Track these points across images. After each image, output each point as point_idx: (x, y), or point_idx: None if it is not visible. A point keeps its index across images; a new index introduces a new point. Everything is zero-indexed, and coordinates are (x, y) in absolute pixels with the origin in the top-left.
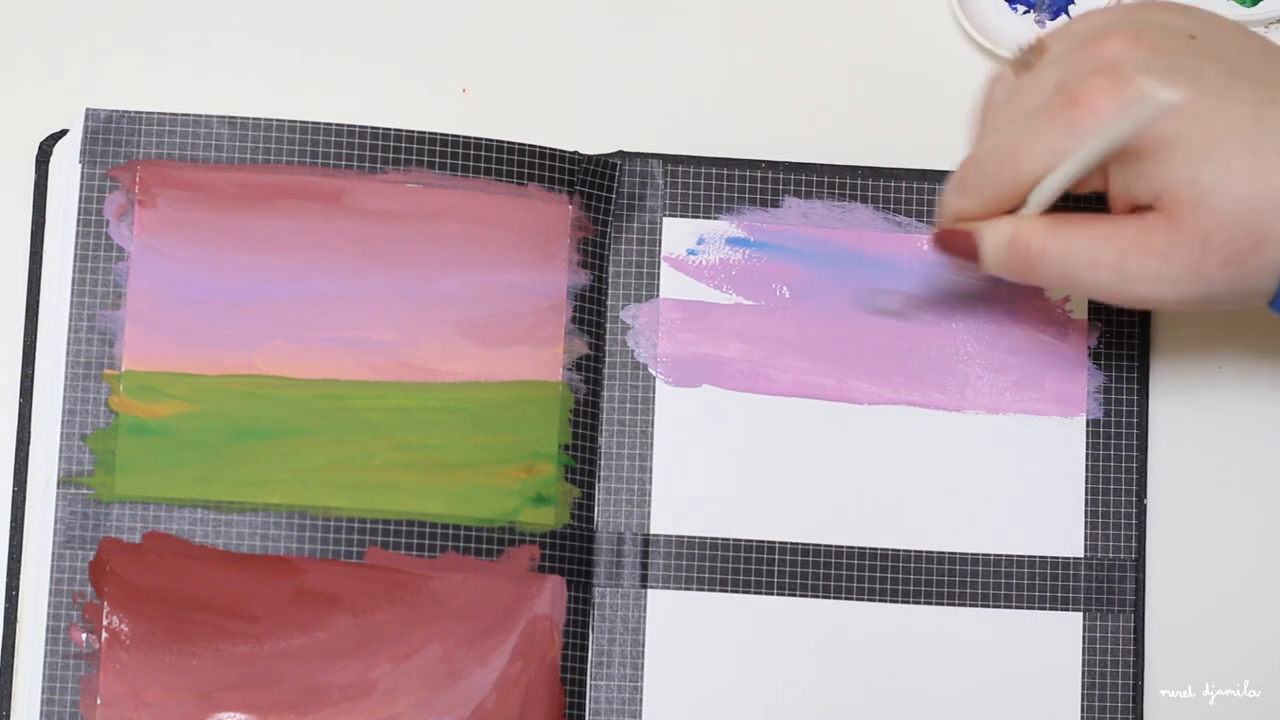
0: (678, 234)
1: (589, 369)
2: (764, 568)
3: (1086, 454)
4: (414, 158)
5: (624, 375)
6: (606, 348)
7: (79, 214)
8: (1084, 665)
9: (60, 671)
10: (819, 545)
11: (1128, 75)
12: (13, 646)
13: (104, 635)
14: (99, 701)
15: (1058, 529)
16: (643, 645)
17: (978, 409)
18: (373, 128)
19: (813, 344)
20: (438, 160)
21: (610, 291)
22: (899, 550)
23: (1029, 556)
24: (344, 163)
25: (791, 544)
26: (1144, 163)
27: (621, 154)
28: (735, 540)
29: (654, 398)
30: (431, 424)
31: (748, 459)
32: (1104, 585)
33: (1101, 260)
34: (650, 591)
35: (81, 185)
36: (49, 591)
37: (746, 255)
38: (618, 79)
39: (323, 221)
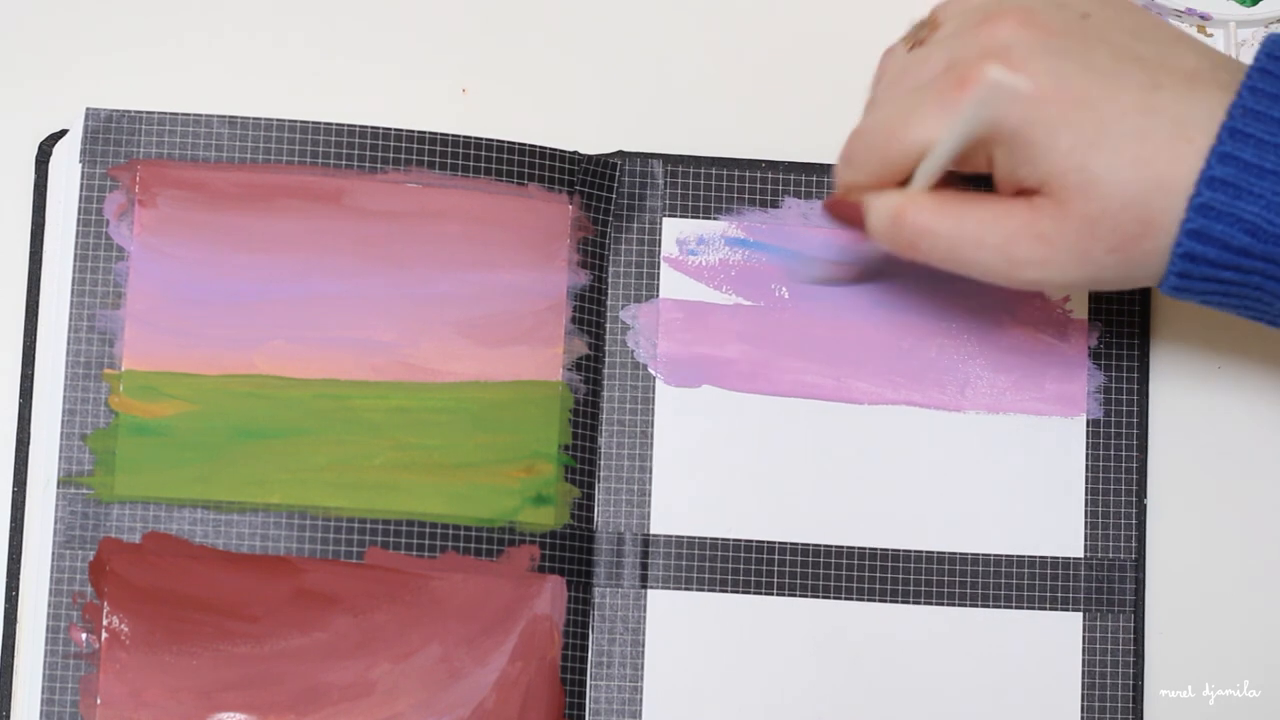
0: (677, 234)
1: (589, 369)
2: (764, 568)
3: (1086, 454)
4: (414, 158)
5: (624, 375)
6: (606, 348)
7: (79, 214)
8: (1084, 665)
9: (60, 671)
10: (819, 545)
11: (1017, 59)
12: (13, 646)
13: (104, 635)
14: (99, 701)
15: (1058, 529)
16: (643, 645)
17: (978, 409)
18: (373, 128)
19: (812, 344)
20: (438, 160)
21: (610, 291)
22: (899, 550)
23: (1029, 556)
24: (344, 163)
25: (791, 544)
26: (1032, 148)
27: (621, 154)
28: (735, 540)
29: (654, 398)
30: (431, 424)
31: (747, 459)
32: (1104, 585)
33: (987, 242)
34: (650, 591)
35: (81, 185)
36: (49, 591)
37: (746, 256)
38: (618, 79)
39: (323, 221)
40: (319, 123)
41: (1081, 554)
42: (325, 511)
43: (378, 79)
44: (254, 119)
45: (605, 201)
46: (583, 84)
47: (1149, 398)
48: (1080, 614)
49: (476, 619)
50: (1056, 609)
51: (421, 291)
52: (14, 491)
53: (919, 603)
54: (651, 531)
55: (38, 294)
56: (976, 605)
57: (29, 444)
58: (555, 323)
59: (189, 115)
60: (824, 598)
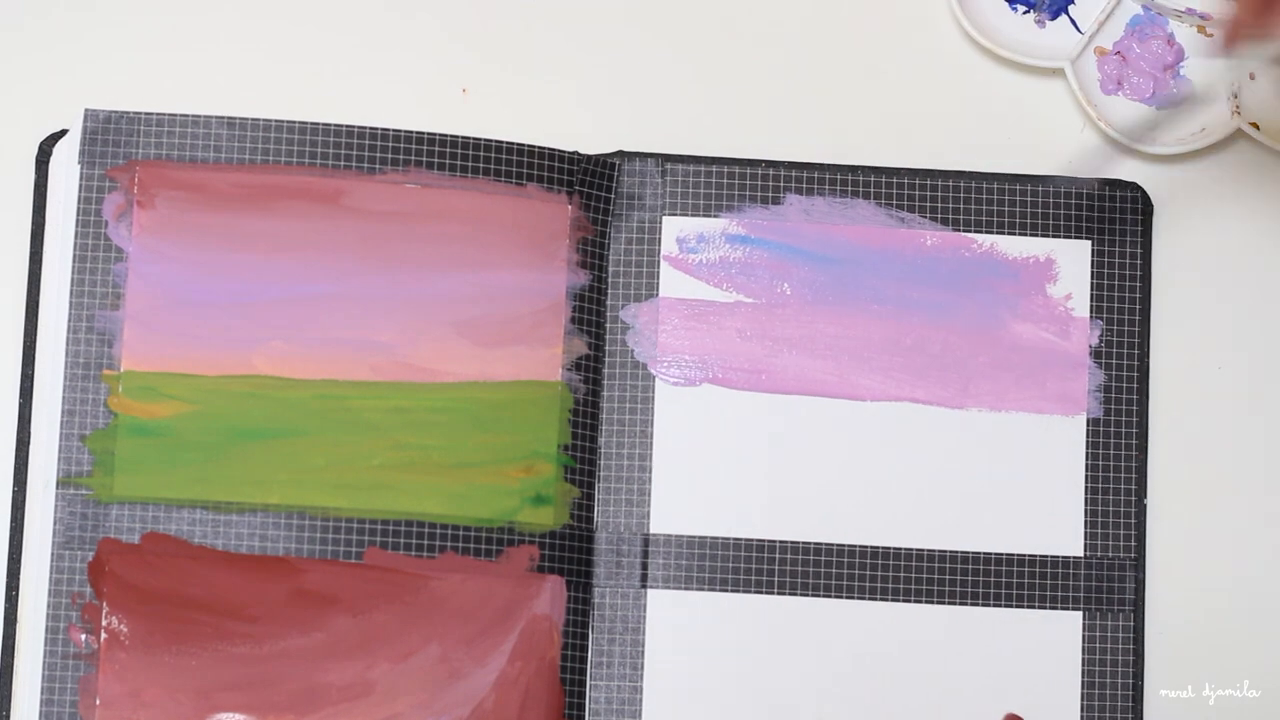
0: (677, 233)
1: (589, 369)
2: (764, 567)
3: (1086, 453)
4: (413, 158)
5: (624, 375)
6: (606, 347)
7: (78, 214)
8: (1084, 665)
9: (60, 672)
10: (819, 544)
11: None
12: (12, 646)
13: (103, 636)
14: (98, 702)
15: (1058, 528)
16: (642, 645)
17: (979, 406)
18: (372, 128)
19: (814, 341)
20: (437, 160)
21: (610, 291)
22: (899, 549)
23: (1029, 556)
24: (344, 163)
25: (791, 543)
26: None
27: (621, 154)
28: (735, 540)
29: (654, 398)
30: (430, 424)
31: (748, 458)
32: (1104, 585)
33: None
34: (650, 591)
35: (81, 186)
36: (48, 592)
37: (747, 253)
38: (618, 79)
39: (322, 222)
40: (318, 123)
41: (1081, 553)
42: (324, 511)
43: (378, 79)
44: (253, 119)
45: (604, 201)
46: (583, 84)
47: (1149, 398)
48: (1080, 613)
49: (476, 619)
50: (1056, 608)
51: (421, 291)
52: (14, 491)
53: (919, 601)
54: (651, 531)
55: (37, 294)
56: (976, 604)
57: (29, 444)
58: (555, 323)
59: (188, 116)
60: (824, 597)
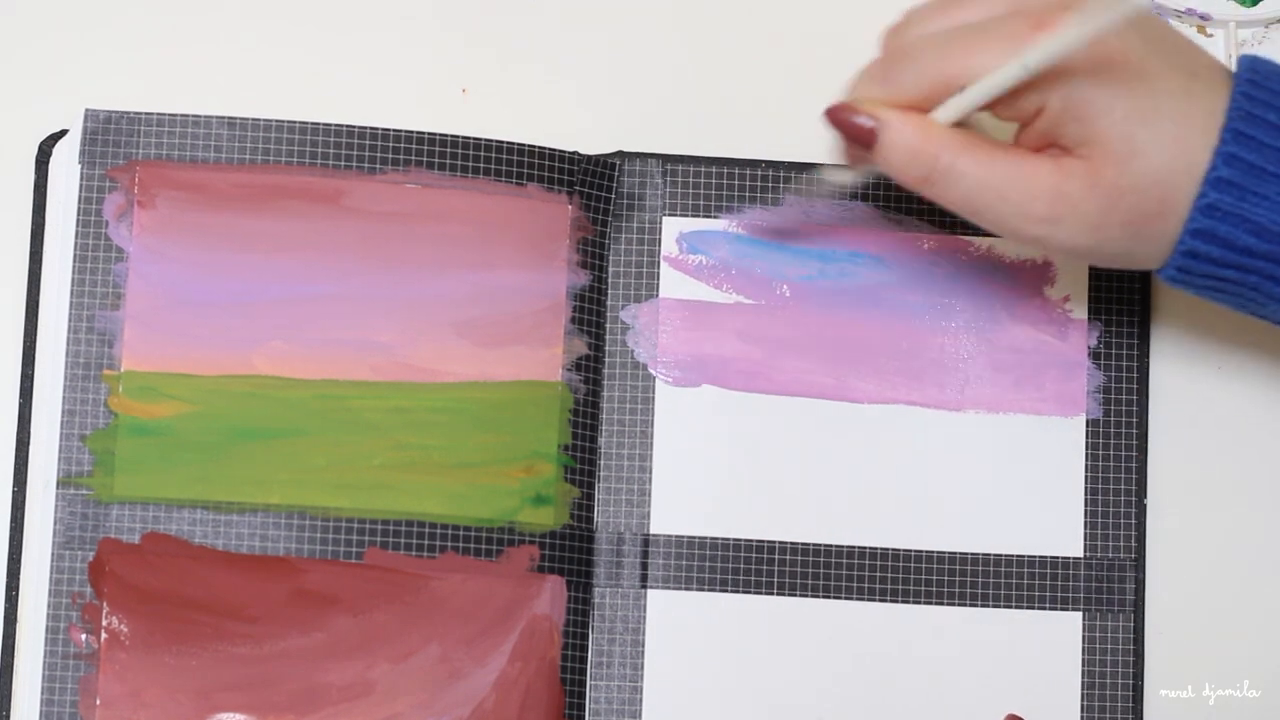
0: (677, 233)
1: (589, 369)
2: (764, 568)
3: (1086, 454)
4: (413, 158)
5: (624, 375)
6: (606, 348)
7: (78, 214)
8: (1084, 665)
9: (60, 672)
10: (818, 545)
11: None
12: (13, 646)
13: (103, 636)
14: (98, 702)
15: (1058, 529)
16: (642, 645)
17: (978, 408)
18: (373, 128)
19: (813, 343)
20: (437, 160)
21: (610, 291)
22: (899, 550)
23: (1029, 556)
24: (344, 163)
25: (791, 544)
26: (1090, 107)
27: (621, 154)
28: (735, 540)
29: (654, 398)
30: (431, 424)
31: (748, 459)
32: (1104, 585)
33: (1010, 195)
34: (650, 591)
35: (81, 186)
36: (49, 592)
37: (746, 254)
38: (618, 79)
39: (322, 222)
40: (318, 123)
41: (1081, 554)
42: (325, 512)
43: (378, 79)
44: (254, 119)
45: (605, 201)
46: (583, 84)
47: (1149, 398)
48: (1080, 614)
49: (476, 619)
50: (1056, 609)
51: (421, 292)
52: (14, 492)
53: (919, 602)
54: (651, 531)
55: (38, 294)
56: (976, 605)
57: (29, 444)
58: (555, 323)
59: (188, 116)
60: (824, 597)
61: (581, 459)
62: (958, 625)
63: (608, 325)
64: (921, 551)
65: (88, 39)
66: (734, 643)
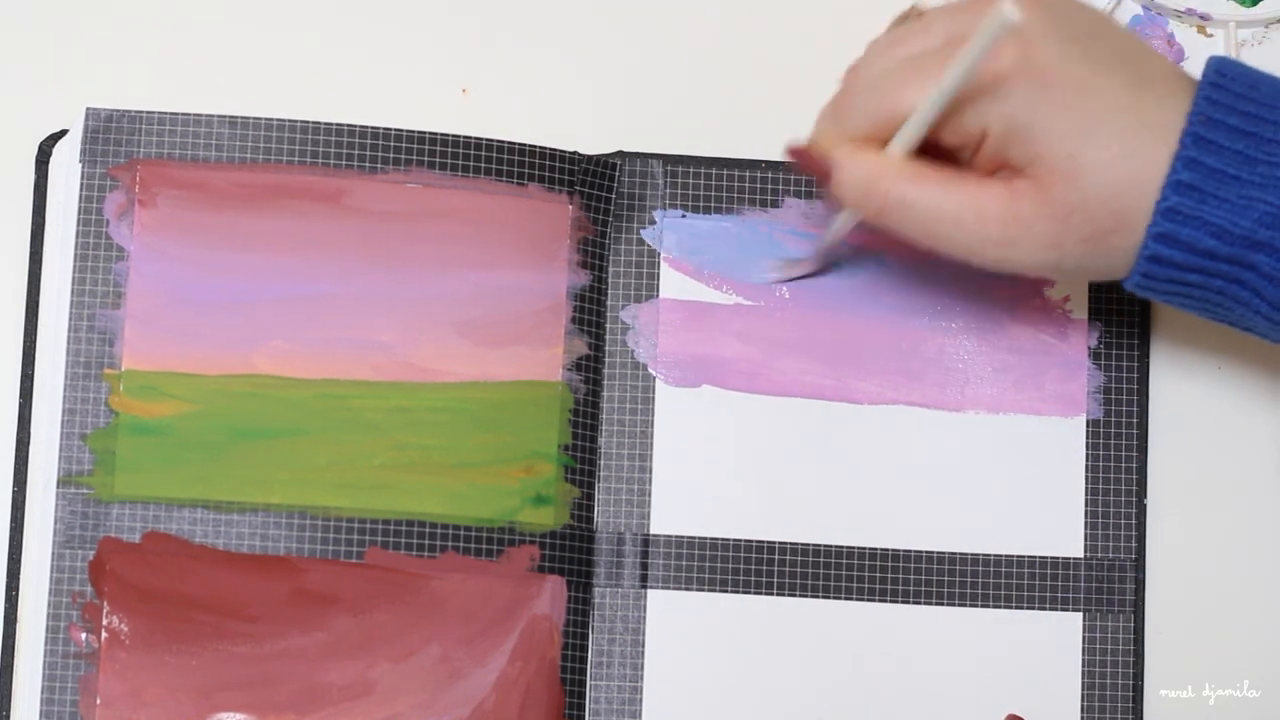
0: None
1: (589, 369)
2: (764, 568)
3: (1086, 454)
4: (414, 158)
5: (624, 375)
6: (606, 348)
7: (79, 214)
8: (1084, 665)
9: (60, 671)
10: (819, 545)
11: (1027, 36)
12: (13, 646)
13: (104, 635)
14: (99, 701)
15: (1058, 529)
16: (642, 645)
17: (978, 409)
18: (373, 128)
19: (812, 344)
20: (438, 160)
21: (610, 291)
22: (899, 550)
23: (1029, 556)
24: (344, 163)
25: (791, 544)
26: (1030, 128)
27: (621, 154)
28: (735, 540)
29: (654, 398)
30: (431, 424)
31: (748, 459)
32: (1104, 585)
33: (964, 220)
34: (650, 591)
35: (81, 185)
36: (49, 591)
37: (747, 254)
38: (618, 79)
39: (323, 221)
40: (319, 123)
41: (1081, 554)
42: (325, 511)
43: (378, 79)
44: (254, 119)
45: (605, 201)
46: (583, 84)
47: (1149, 398)
48: (1080, 614)
49: (476, 619)
50: (1056, 609)
51: (421, 291)
52: (14, 491)
53: (919, 603)
54: (651, 531)
55: (38, 294)
56: (976, 605)
57: (29, 444)
58: (555, 323)
59: (189, 115)
60: (824, 598)
61: (581, 459)
62: (958, 625)
63: (608, 325)
64: (921, 551)
65: (88, 39)
66: (734, 643)
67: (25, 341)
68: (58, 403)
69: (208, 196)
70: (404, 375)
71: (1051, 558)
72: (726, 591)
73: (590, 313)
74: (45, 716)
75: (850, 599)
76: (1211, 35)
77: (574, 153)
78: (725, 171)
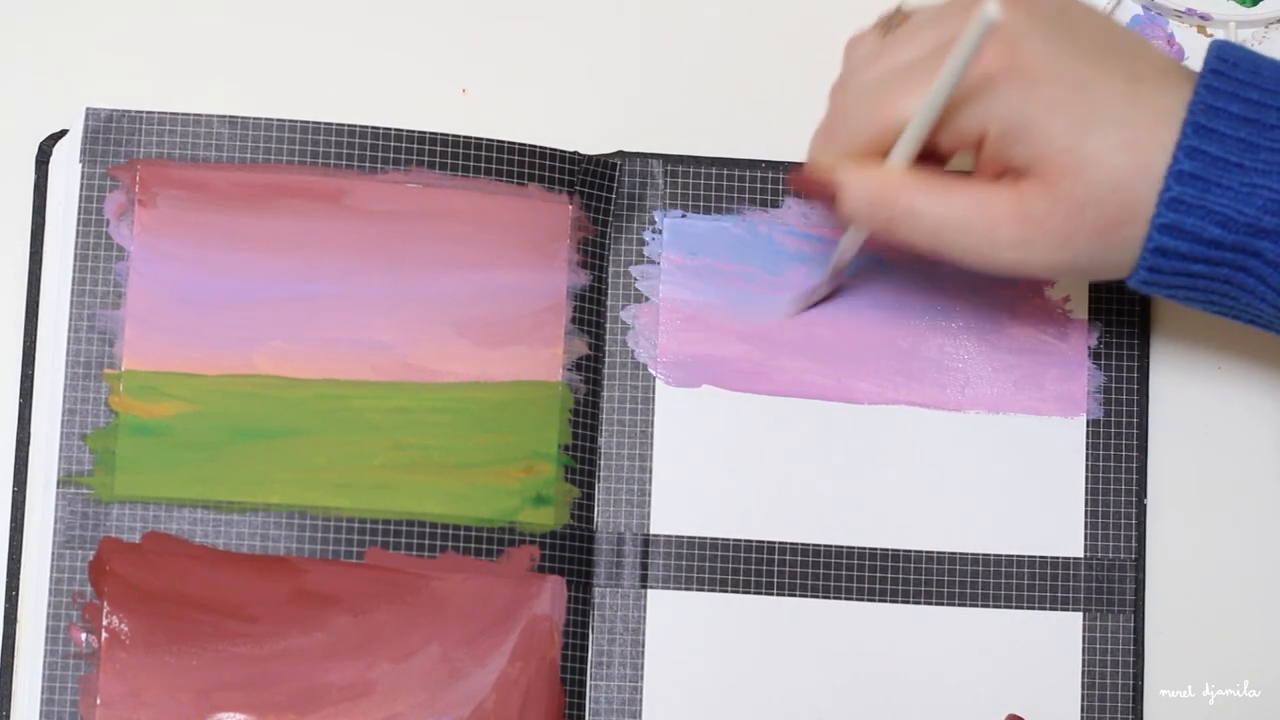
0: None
1: (589, 369)
2: (764, 568)
3: (1086, 454)
4: (414, 158)
5: (624, 375)
6: (606, 348)
7: (79, 214)
8: (1084, 665)
9: (60, 671)
10: (819, 545)
11: (1012, 37)
12: (13, 646)
13: (104, 635)
14: (99, 701)
15: (1058, 529)
16: (642, 645)
17: (978, 409)
18: (373, 128)
19: (812, 344)
20: (438, 160)
21: (610, 291)
22: (899, 550)
23: (1029, 556)
24: (344, 163)
25: (791, 544)
26: (1028, 127)
27: (621, 154)
28: (735, 540)
29: (654, 398)
30: (431, 424)
31: (748, 459)
32: (1104, 585)
33: (975, 225)
34: (650, 591)
35: (82, 185)
36: (49, 591)
37: (746, 254)
38: (618, 79)
39: (323, 221)
40: (319, 123)
41: (1081, 554)
42: (325, 511)
43: (378, 79)
44: (254, 119)
45: (605, 201)
46: (583, 84)
47: (1149, 398)
48: (1080, 614)
49: (476, 619)
50: (1056, 609)
51: (421, 291)
52: (14, 491)
53: (919, 603)
54: (651, 531)
55: (38, 294)
56: (977, 605)
57: (29, 444)
58: (555, 323)
59: (189, 115)
60: (824, 598)
61: (581, 459)
62: (958, 625)
63: (608, 325)
64: (921, 551)
65: (88, 39)
66: (734, 643)
67: (25, 341)
68: (58, 403)
69: (208, 196)
70: (404, 375)
71: (1051, 558)
72: (726, 591)
73: (590, 313)
74: (45, 716)
75: (850, 599)
76: (1211, 35)
77: (574, 153)
78: (725, 171)
